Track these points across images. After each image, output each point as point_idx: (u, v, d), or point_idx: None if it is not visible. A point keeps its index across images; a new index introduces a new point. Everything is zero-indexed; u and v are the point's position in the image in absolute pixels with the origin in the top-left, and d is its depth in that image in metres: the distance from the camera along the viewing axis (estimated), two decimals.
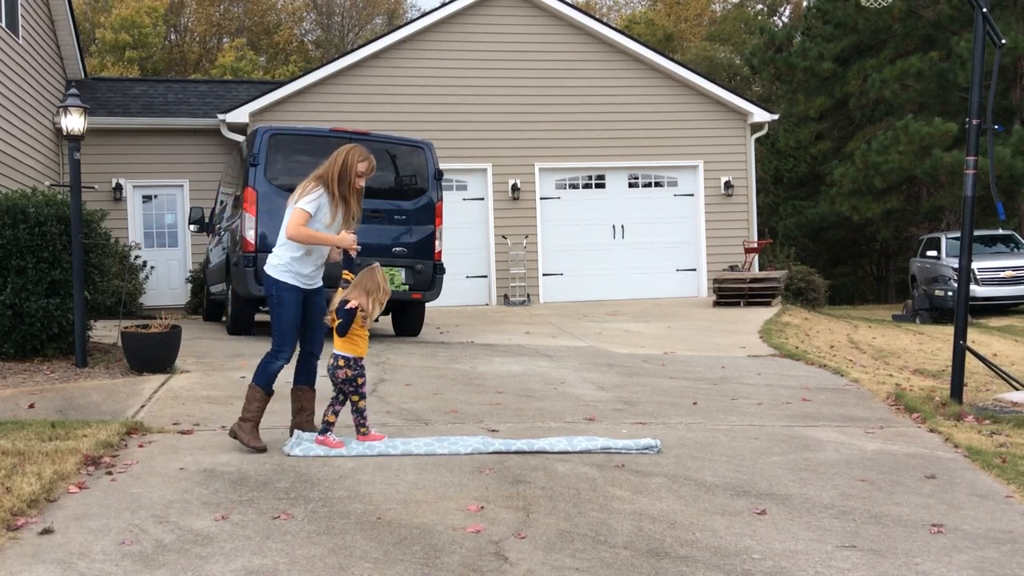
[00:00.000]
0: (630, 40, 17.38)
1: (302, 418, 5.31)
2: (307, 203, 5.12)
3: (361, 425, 5.13)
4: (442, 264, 10.31)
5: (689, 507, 4.12)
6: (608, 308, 14.98)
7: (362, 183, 5.26)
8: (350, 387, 5.07)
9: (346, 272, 5.18)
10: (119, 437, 5.08)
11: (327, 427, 5.05)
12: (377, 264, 5.20)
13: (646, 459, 4.94)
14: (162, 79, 22.74)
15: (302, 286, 5.20)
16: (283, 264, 5.16)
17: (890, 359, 10.86)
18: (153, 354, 7.27)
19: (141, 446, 5.03)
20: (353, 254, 5.22)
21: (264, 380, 5.10)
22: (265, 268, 5.26)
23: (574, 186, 17.04)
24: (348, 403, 5.14)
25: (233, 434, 5.06)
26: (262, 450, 4.93)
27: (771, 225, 29.73)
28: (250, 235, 9.44)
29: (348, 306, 4.97)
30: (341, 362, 5.03)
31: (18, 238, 7.55)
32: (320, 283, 5.35)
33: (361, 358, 5.08)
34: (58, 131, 15.60)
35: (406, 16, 41.75)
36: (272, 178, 9.60)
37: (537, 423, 5.85)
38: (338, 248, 5.25)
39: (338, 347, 5.03)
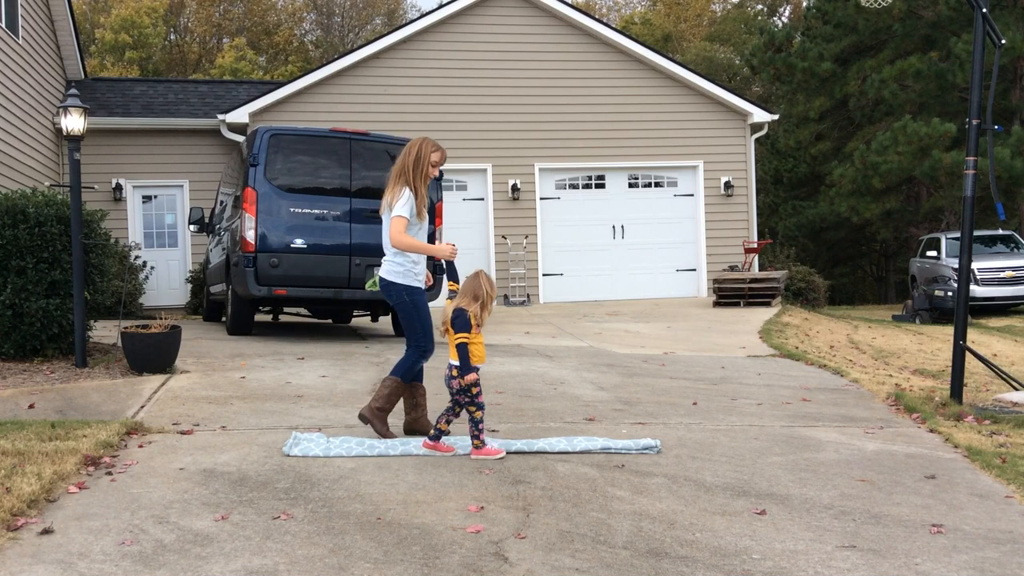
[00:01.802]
0: (630, 40, 17.38)
1: (417, 414, 5.43)
2: (403, 208, 5.23)
3: (475, 436, 4.89)
4: (442, 264, 10.28)
5: (689, 507, 4.12)
6: (608, 308, 14.98)
7: (436, 173, 5.42)
8: (464, 397, 4.92)
9: (451, 283, 5.26)
10: (119, 437, 5.08)
11: (439, 434, 4.97)
12: (482, 270, 5.21)
13: (646, 459, 4.94)
14: (162, 79, 22.74)
15: (423, 287, 5.41)
16: (405, 270, 5.33)
17: (890, 359, 10.85)
18: (153, 354, 7.27)
19: (141, 446, 5.02)
20: (452, 259, 5.36)
21: (408, 376, 5.32)
22: (389, 277, 5.35)
23: (574, 186, 17.04)
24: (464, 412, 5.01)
25: (364, 419, 5.24)
26: (391, 437, 5.16)
27: (771, 225, 29.75)
28: (250, 235, 9.44)
29: (459, 307, 4.96)
30: (455, 371, 4.94)
31: (18, 238, 7.54)
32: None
33: (476, 367, 4.97)
34: (58, 131, 15.60)
35: (406, 16, 41.77)
36: (272, 178, 9.60)
37: (537, 423, 5.85)
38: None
39: (453, 356, 4.98)
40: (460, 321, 4.92)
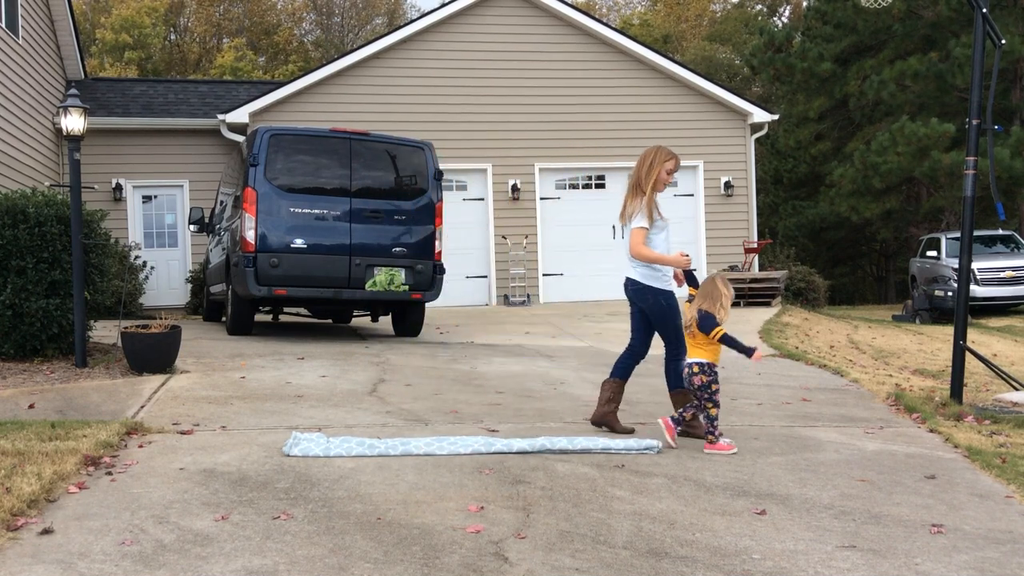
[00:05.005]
0: (630, 40, 17.38)
1: (613, 408, 5.63)
2: (641, 220, 5.41)
3: (710, 432, 5.18)
4: (442, 264, 10.31)
5: (689, 507, 4.12)
6: (608, 308, 14.98)
7: (670, 180, 5.55)
8: (704, 393, 5.18)
9: (691, 288, 5.45)
10: (119, 437, 5.07)
11: (679, 421, 5.27)
12: (717, 274, 5.40)
13: (646, 459, 4.94)
14: (162, 79, 22.74)
15: (674, 289, 5.56)
16: (661, 273, 5.50)
17: (890, 359, 10.85)
18: (153, 354, 7.27)
19: (141, 446, 5.02)
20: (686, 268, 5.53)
21: (680, 381, 5.49)
22: (643, 281, 5.52)
23: (574, 186, 17.04)
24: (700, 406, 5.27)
25: (685, 432, 5.41)
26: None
27: (771, 225, 29.75)
28: (250, 235, 9.44)
29: (701, 309, 5.19)
30: (695, 368, 5.20)
31: (18, 238, 7.54)
32: None
33: (715, 364, 5.23)
34: (58, 131, 15.60)
35: (406, 16, 41.77)
36: (272, 178, 9.60)
37: (537, 423, 5.85)
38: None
39: (692, 355, 5.23)
40: (707, 323, 5.16)
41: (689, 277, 5.51)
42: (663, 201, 5.75)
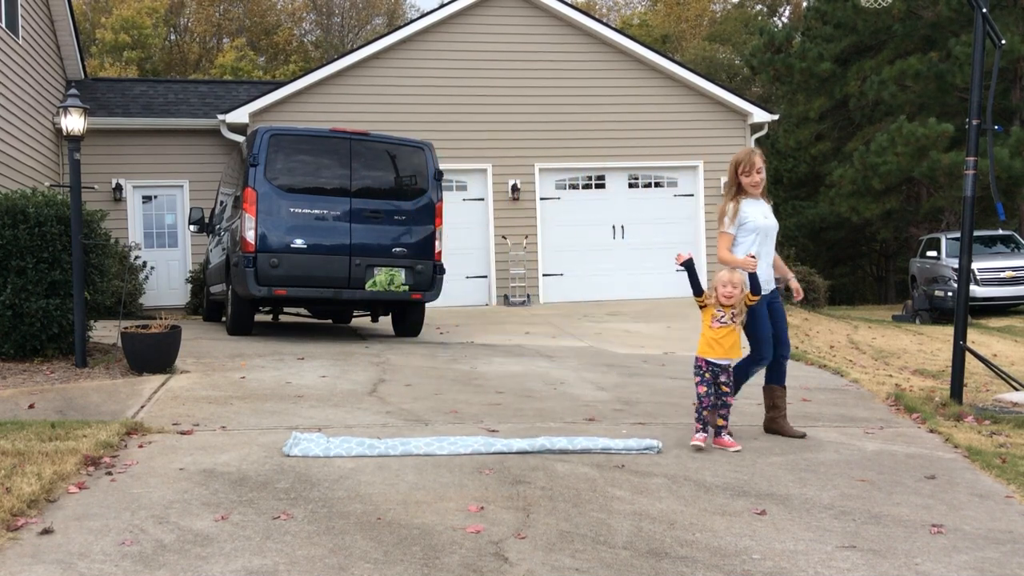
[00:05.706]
0: (630, 40, 17.38)
1: (775, 414, 5.72)
2: (726, 227, 5.55)
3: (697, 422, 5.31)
4: (442, 264, 10.31)
5: (689, 507, 4.12)
6: (608, 308, 14.99)
7: (759, 178, 5.56)
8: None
9: (749, 295, 5.39)
10: (119, 437, 5.07)
11: (719, 430, 5.31)
12: (725, 270, 5.40)
13: (646, 459, 4.94)
14: (162, 79, 22.74)
15: (765, 293, 5.56)
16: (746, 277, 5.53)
17: (890, 359, 10.85)
18: (153, 354, 7.27)
19: (141, 446, 5.02)
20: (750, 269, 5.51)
21: (744, 381, 5.69)
22: None
23: (574, 186, 17.03)
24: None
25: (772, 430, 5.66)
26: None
27: None
28: (250, 235, 9.44)
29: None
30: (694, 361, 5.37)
31: (18, 238, 7.54)
32: (774, 285, 5.73)
33: (701, 357, 5.34)
34: (58, 131, 15.60)
35: (406, 16, 41.78)
36: (272, 178, 9.60)
37: (537, 423, 5.85)
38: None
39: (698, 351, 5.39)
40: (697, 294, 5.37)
41: (753, 284, 5.42)
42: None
